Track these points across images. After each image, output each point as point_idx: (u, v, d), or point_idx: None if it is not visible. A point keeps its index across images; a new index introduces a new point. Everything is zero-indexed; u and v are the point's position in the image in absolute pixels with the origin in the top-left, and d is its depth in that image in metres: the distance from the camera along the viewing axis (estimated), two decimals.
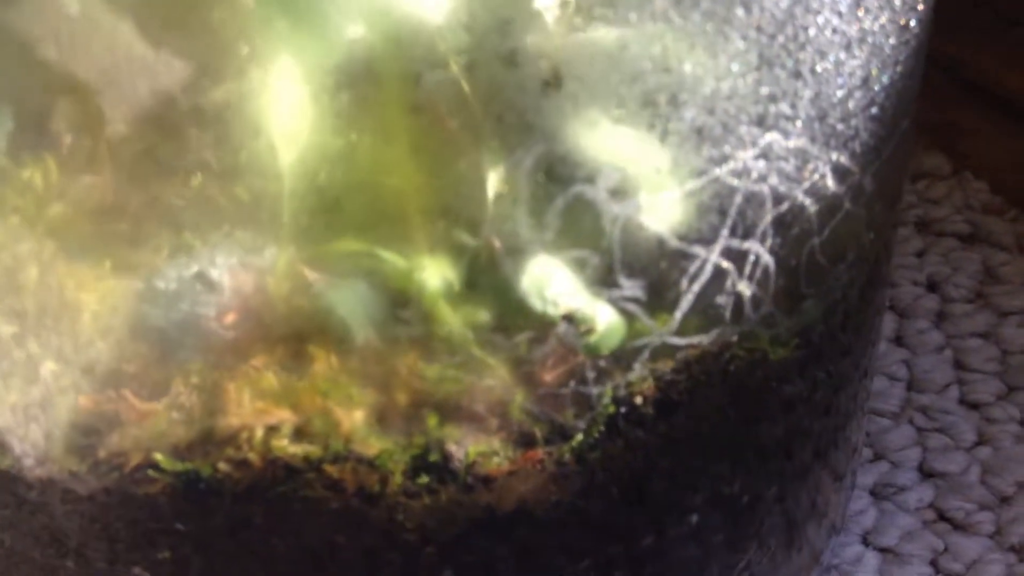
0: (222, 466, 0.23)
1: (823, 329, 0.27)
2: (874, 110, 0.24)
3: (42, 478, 0.24)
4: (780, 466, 0.29)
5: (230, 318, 0.24)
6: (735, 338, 0.25)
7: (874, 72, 0.24)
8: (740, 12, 0.20)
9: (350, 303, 0.23)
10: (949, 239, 0.53)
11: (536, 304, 0.22)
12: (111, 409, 0.23)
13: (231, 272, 0.23)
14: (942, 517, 0.41)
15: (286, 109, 0.22)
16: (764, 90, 0.21)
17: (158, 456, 0.23)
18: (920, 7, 0.25)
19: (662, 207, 0.21)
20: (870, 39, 0.23)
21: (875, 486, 0.42)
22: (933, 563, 0.39)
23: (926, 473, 0.42)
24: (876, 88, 0.24)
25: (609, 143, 0.20)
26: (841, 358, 0.29)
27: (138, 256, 0.24)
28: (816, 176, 0.24)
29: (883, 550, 0.39)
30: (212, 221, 0.23)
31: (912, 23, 0.25)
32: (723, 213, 0.22)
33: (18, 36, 0.22)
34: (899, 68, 0.25)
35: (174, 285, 0.24)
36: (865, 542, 0.40)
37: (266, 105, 0.22)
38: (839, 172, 0.24)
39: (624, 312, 0.23)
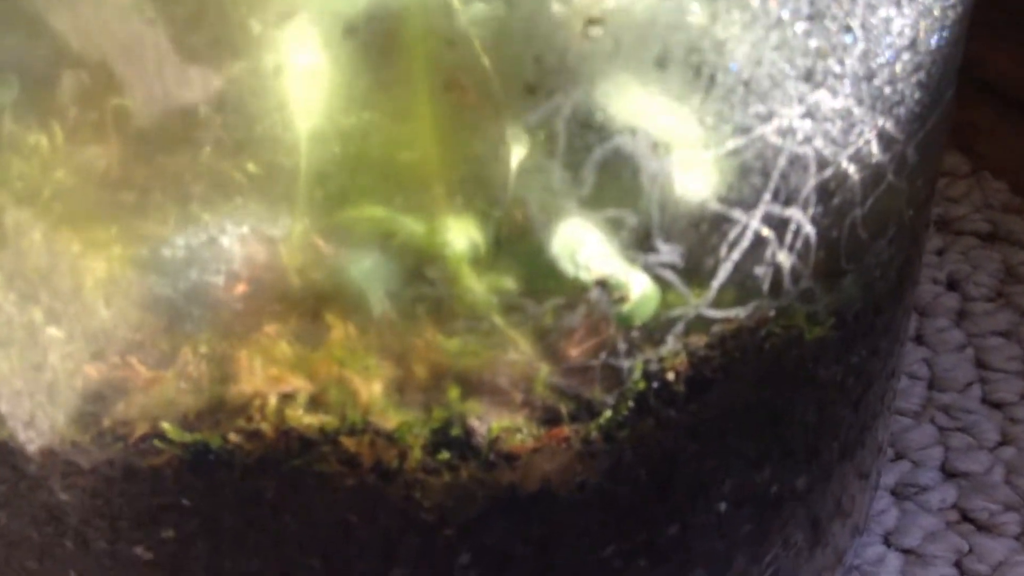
0: (233, 437, 0.22)
1: (860, 309, 0.26)
2: (921, 75, 0.23)
3: (42, 450, 0.23)
4: (810, 457, 0.28)
5: (243, 286, 0.23)
6: (772, 313, 0.23)
7: (922, 34, 0.23)
8: None
9: (368, 270, 0.22)
10: (969, 237, 0.52)
11: (568, 268, 0.21)
12: (117, 376, 0.22)
13: (244, 240, 0.22)
14: (966, 518, 0.40)
15: (302, 68, 0.21)
16: (813, 43, 0.20)
17: (165, 426, 0.22)
18: None
19: (704, 165, 0.20)
20: None
21: (897, 486, 0.41)
22: (957, 564, 0.38)
23: (949, 473, 0.41)
24: (923, 51, 0.23)
25: (652, 93, 0.19)
26: (875, 343, 0.28)
27: (146, 224, 0.23)
28: (861, 141, 0.22)
29: (906, 551, 0.38)
30: (227, 192, 0.22)
31: None
32: (766, 175, 0.21)
33: (29, 6, 0.21)
34: (946, 33, 0.24)
35: (186, 253, 0.22)
36: (887, 543, 0.38)
37: (280, 68, 0.21)
38: (884, 139, 0.23)
39: (659, 280, 0.21)
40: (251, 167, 0.22)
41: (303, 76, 0.21)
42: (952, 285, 0.50)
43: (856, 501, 0.33)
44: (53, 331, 0.23)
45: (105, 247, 0.23)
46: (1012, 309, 0.48)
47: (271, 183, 0.22)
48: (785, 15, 0.19)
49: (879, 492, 0.40)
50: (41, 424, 0.23)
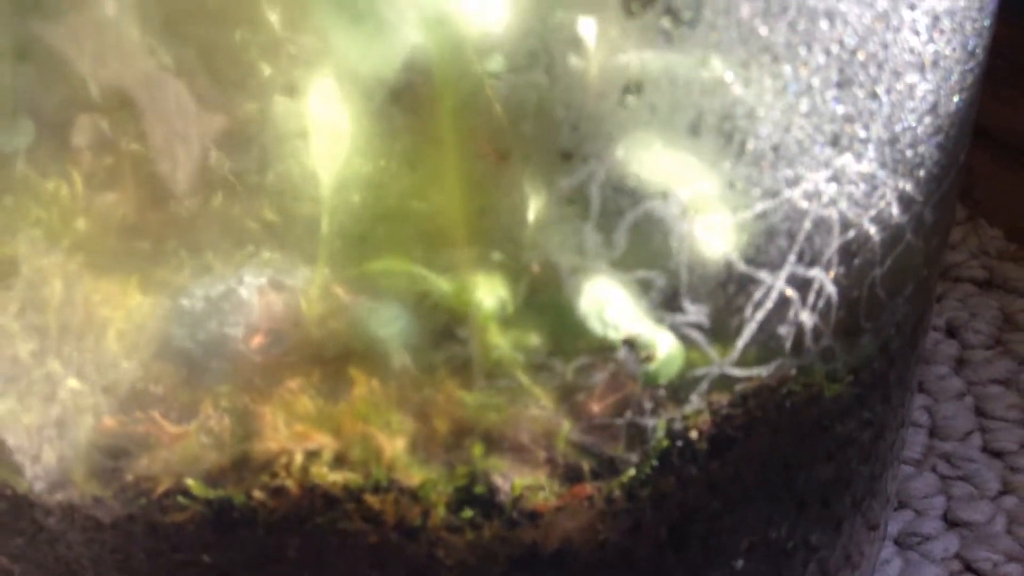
0: (257, 493, 0.21)
1: (876, 367, 0.26)
2: (940, 138, 0.23)
3: (62, 504, 0.22)
4: (824, 511, 0.28)
5: (265, 339, 0.23)
6: (793, 371, 0.24)
7: (943, 98, 0.23)
8: (824, 24, 0.19)
9: (391, 325, 0.22)
10: (966, 284, 0.53)
11: (596, 327, 0.21)
12: (139, 431, 0.22)
13: (267, 292, 0.22)
14: (968, 568, 0.40)
15: (328, 124, 0.21)
16: (841, 109, 0.20)
17: (189, 481, 0.22)
18: (985, 33, 0.24)
19: (733, 228, 0.20)
20: (942, 63, 0.22)
21: (900, 535, 0.41)
22: None
23: (951, 522, 0.41)
24: (943, 115, 0.23)
25: (684, 158, 0.19)
26: (888, 399, 0.28)
27: (167, 274, 0.23)
28: (883, 203, 0.23)
29: None
30: (253, 240, 0.22)
31: (978, 50, 0.24)
32: (792, 237, 0.21)
33: (47, 49, 0.21)
34: (964, 95, 0.24)
35: (211, 304, 0.22)
36: None
37: (306, 120, 0.21)
38: (904, 200, 0.23)
39: (685, 339, 0.22)
40: (275, 217, 0.22)
41: (331, 130, 0.21)
42: (951, 332, 0.50)
43: (865, 552, 0.33)
44: (73, 383, 0.23)
45: (124, 297, 0.23)
46: (1011, 357, 0.49)
47: (297, 234, 0.22)
48: (816, 83, 0.19)
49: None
50: (61, 477, 0.23)
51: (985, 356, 0.49)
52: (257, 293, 0.23)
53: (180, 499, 0.22)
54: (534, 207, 0.19)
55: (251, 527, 0.22)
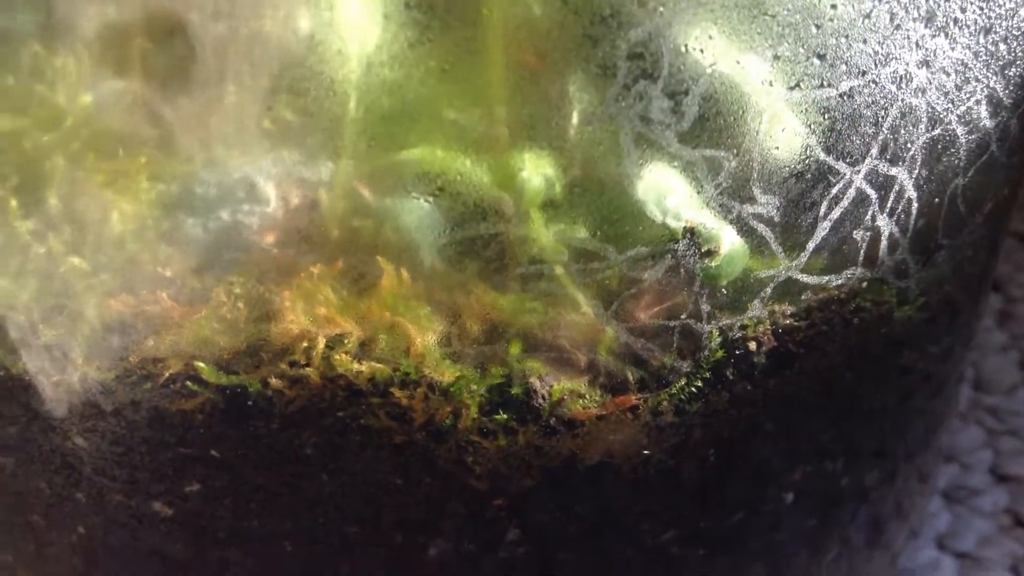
0: (274, 381, 0.20)
1: (948, 291, 0.24)
2: None
3: (59, 387, 0.21)
4: (880, 452, 0.26)
5: (284, 230, 0.21)
6: (864, 284, 0.22)
7: None
8: None
9: (420, 215, 0.20)
10: (1010, 239, 0.51)
11: (654, 214, 0.19)
12: (147, 310, 0.20)
13: (292, 181, 0.20)
14: (1020, 522, 0.38)
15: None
16: None
17: (200, 365, 0.20)
18: None
19: (815, 106, 0.18)
20: None
21: (948, 488, 0.39)
22: (1014, 569, 0.36)
23: (999, 477, 0.40)
24: None
25: (767, 16, 0.17)
26: (956, 332, 0.26)
27: (179, 161, 0.21)
28: (972, 101, 0.21)
29: (960, 555, 0.36)
30: (278, 129, 0.20)
31: None
32: (876, 126, 0.19)
33: None
34: None
35: (212, 192, 0.20)
36: (941, 546, 0.37)
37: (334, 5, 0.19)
38: (992, 102, 0.21)
39: (752, 235, 0.20)
40: (304, 104, 0.20)
41: (359, 15, 0.19)
42: (995, 286, 0.48)
43: (916, 504, 0.31)
44: (75, 261, 0.21)
45: (135, 179, 0.21)
46: None
47: (326, 119, 0.20)
48: None
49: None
50: (60, 358, 0.21)
51: None
52: (277, 182, 0.21)
53: (189, 384, 0.20)
54: (591, 63, 0.17)
55: (266, 419, 0.20)
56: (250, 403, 0.20)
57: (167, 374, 0.20)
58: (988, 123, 0.22)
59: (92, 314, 0.21)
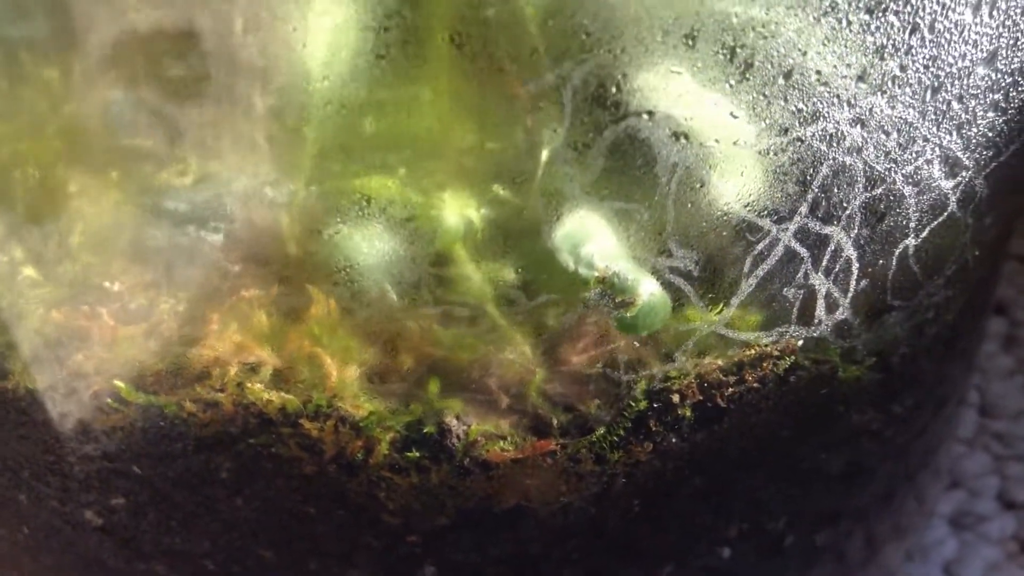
0: (188, 405, 0.20)
1: (907, 353, 0.23)
2: (998, 96, 0.20)
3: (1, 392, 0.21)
4: (834, 508, 0.25)
5: (234, 249, 0.21)
6: (800, 343, 0.21)
7: (1004, 48, 0.20)
8: None
9: (360, 244, 0.20)
10: (1012, 261, 0.49)
11: (567, 262, 0.19)
12: (82, 326, 0.21)
13: (241, 203, 0.21)
14: None
15: (320, 35, 0.19)
16: (872, 38, 0.18)
17: (119, 384, 0.20)
18: None
19: (733, 163, 0.18)
20: (1003, 4, 0.19)
21: (954, 514, 0.38)
22: None
23: (1006, 503, 0.38)
24: (1003, 69, 0.20)
25: (679, 73, 0.17)
26: (923, 393, 0.25)
27: (146, 173, 0.21)
28: (921, 161, 0.20)
29: None
30: (233, 150, 0.20)
31: None
32: (804, 184, 0.19)
33: None
34: None
35: (182, 207, 0.21)
36: (948, 573, 0.36)
37: (299, 32, 0.19)
38: (948, 162, 0.20)
39: (671, 288, 0.19)
40: (259, 127, 0.20)
41: (318, 35, 0.19)
42: (1000, 309, 0.47)
43: (883, 563, 0.30)
44: (29, 272, 0.22)
45: (102, 192, 0.22)
46: None
47: (276, 144, 0.20)
48: (842, 1, 0.17)
49: (937, 521, 0.37)
50: (1, 366, 0.21)
51: None
52: (234, 201, 0.21)
53: (110, 402, 0.20)
54: (503, 119, 0.17)
55: (181, 441, 0.20)
56: (165, 424, 0.20)
57: (93, 389, 0.20)
58: (944, 183, 0.21)
59: (35, 325, 0.21)
